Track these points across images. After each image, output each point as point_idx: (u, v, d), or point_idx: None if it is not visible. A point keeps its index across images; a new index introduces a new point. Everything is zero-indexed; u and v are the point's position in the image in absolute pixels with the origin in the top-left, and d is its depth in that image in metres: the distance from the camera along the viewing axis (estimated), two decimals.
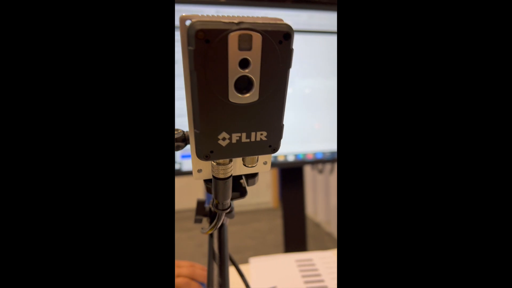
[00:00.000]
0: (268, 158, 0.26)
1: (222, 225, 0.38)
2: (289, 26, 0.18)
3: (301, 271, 0.67)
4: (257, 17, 0.19)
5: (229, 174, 0.23)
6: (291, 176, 0.83)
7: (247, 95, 0.19)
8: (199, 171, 0.24)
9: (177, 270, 0.58)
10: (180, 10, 0.70)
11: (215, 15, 0.18)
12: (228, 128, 0.20)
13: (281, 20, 0.20)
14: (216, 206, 0.25)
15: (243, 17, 0.18)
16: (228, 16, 0.19)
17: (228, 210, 0.26)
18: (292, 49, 0.18)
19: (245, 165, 0.25)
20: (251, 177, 0.30)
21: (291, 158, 0.76)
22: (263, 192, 3.20)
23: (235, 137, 0.20)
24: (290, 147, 0.75)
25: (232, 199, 0.29)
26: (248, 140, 0.20)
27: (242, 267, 0.76)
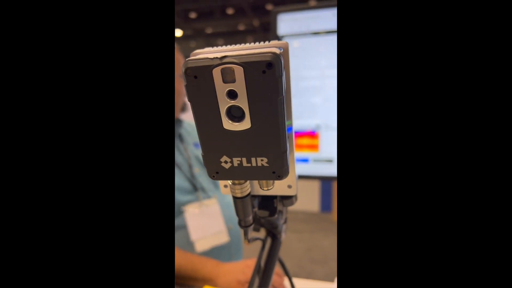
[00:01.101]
0: (292, 181, 0.25)
1: (276, 239, 0.38)
2: (273, 55, 0.17)
3: None
4: (251, 46, 0.19)
5: (245, 193, 0.24)
6: None
7: (240, 123, 0.19)
8: (225, 186, 0.26)
9: (248, 269, 0.61)
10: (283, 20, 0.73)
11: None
12: (228, 152, 0.21)
13: (284, 44, 0.19)
14: (239, 223, 0.27)
15: (237, 46, 0.19)
16: (225, 47, 0.20)
17: (251, 226, 0.27)
18: (278, 77, 0.17)
19: (261, 187, 0.25)
20: (287, 198, 0.30)
21: None
22: None
23: (236, 161, 0.21)
24: None
25: (261, 217, 0.30)
26: (249, 164, 0.21)
27: (327, 286, 0.73)
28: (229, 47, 0.20)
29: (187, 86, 0.19)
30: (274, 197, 0.29)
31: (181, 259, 0.67)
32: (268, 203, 0.29)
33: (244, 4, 4.44)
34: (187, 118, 0.94)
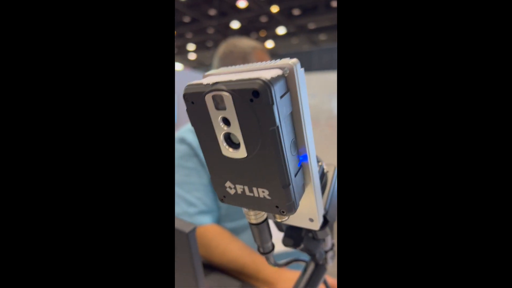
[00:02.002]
0: (314, 215, 0.22)
1: (318, 265, 0.35)
2: (261, 83, 0.15)
3: None
4: (257, 66, 0.18)
5: (260, 220, 0.23)
6: None
7: (237, 151, 0.18)
8: None
9: None
10: None
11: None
12: (231, 178, 0.20)
13: (290, 65, 0.17)
14: (258, 249, 0.25)
15: (246, 67, 0.18)
16: (236, 68, 0.19)
17: (270, 252, 0.25)
18: (267, 106, 0.15)
19: (274, 218, 0.23)
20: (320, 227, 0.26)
21: None
22: None
23: (239, 188, 0.20)
24: None
25: (285, 244, 0.28)
26: (251, 194, 0.19)
27: None
28: (240, 67, 0.19)
29: (187, 111, 0.19)
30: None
31: (246, 257, 0.69)
32: (295, 232, 0.27)
33: None
34: None
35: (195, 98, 0.18)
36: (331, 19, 5.23)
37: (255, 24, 5.78)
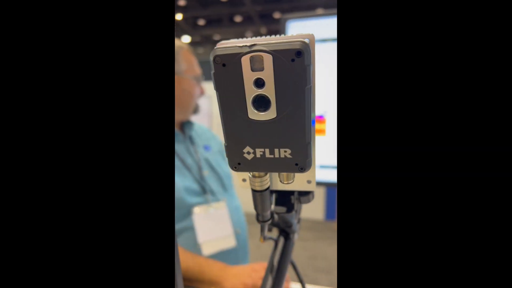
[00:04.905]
0: (312, 176, 0.25)
1: (288, 238, 0.38)
2: (302, 44, 0.17)
3: None
4: (277, 37, 0.19)
5: (265, 187, 0.24)
6: None
7: (265, 112, 0.19)
8: (244, 180, 0.26)
9: (254, 274, 0.61)
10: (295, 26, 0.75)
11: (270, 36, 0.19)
12: (251, 143, 0.21)
13: (311, 36, 0.19)
14: (257, 218, 0.26)
15: (262, 38, 0.19)
16: (252, 39, 0.20)
17: (269, 221, 0.27)
18: (307, 66, 0.17)
19: (281, 181, 0.25)
20: (304, 194, 0.29)
21: None
22: None
23: (258, 152, 0.21)
24: None
25: (277, 213, 0.29)
26: (272, 156, 0.21)
27: None
28: (255, 38, 0.20)
29: (215, 75, 0.19)
30: (291, 193, 0.29)
31: (188, 260, 0.66)
32: (285, 199, 0.29)
33: (252, 12, 4.50)
34: (198, 121, 0.95)
35: (228, 59, 0.18)
36: (236, 33, 5.49)
37: None
